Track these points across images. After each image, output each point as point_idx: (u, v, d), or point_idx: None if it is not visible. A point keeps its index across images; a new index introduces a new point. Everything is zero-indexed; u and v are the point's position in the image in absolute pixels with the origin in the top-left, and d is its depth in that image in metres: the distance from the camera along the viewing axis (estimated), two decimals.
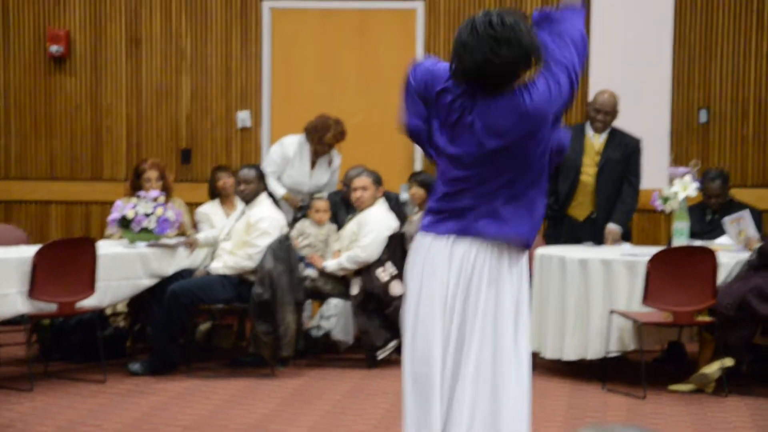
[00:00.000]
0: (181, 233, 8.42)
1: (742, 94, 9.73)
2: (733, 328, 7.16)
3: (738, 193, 8.82)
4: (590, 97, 8.71)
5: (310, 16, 10.10)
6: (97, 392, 7.15)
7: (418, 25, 9.99)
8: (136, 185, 8.54)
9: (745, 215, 7.64)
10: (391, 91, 10.00)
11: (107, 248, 7.87)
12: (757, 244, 7.37)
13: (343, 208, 8.72)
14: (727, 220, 7.73)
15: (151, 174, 8.51)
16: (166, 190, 8.44)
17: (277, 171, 8.91)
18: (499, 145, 3.96)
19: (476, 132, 3.99)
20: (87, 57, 10.23)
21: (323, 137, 8.83)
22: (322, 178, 9.02)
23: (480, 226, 4.03)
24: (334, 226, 8.52)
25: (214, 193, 8.83)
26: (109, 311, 8.28)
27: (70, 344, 8.06)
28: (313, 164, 9.00)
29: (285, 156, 8.92)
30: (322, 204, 8.52)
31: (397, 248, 8.11)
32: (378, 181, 8.32)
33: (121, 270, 7.72)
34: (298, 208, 8.80)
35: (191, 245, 8.10)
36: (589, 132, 8.35)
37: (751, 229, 7.57)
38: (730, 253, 7.52)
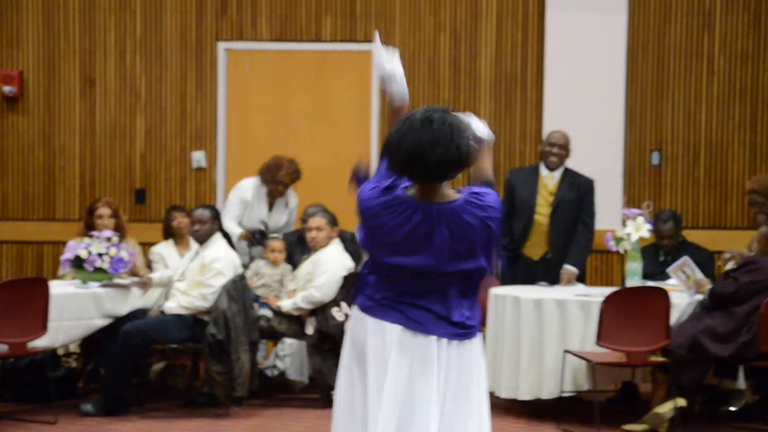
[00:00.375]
0: (134, 274, 8.37)
1: (693, 137, 9.86)
2: (686, 369, 7.20)
3: (690, 235, 8.91)
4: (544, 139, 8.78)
5: (266, 57, 10.12)
6: None
7: (373, 67, 10.03)
8: (89, 223, 8.50)
9: (687, 260, 7.69)
10: (346, 132, 10.05)
11: (60, 288, 7.81)
12: (708, 286, 7.43)
13: (298, 247, 8.71)
14: (671, 270, 7.76)
15: (104, 211, 8.47)
16: (120, 229, 8.40)
17: (238, 216, 8.88)
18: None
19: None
20: (40, 97, 10.18)
21: (276, 176, 8.83)
22: (280, 219, 9.01)
23: None
24: (289, 266, 8.51)
25: (169, 233, 8.79)
26: (61, 351, 8.20)
27: (21, 385, 7.96)
28: (271, 206, 8.99)
29: (243, 200, 8.91)
30: (277, 244, 8.51)
31: (352, 288, 8.10)
32: (333, 221, 8.32)
33: (74, 310, 7.66)
34: (253, 235, 8.73)
35: (145, 285, 8.05)
36: (543, 172, 8.41)
37: (697, 273, 7.62)
38: (683, 293, 7.58)
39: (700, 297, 7.48)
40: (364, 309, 4.03)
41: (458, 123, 3.93)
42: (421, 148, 3.84)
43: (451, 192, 3.98)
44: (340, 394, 4.11)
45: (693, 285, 7.61)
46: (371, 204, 3.96)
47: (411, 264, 3.94)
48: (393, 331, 3.96)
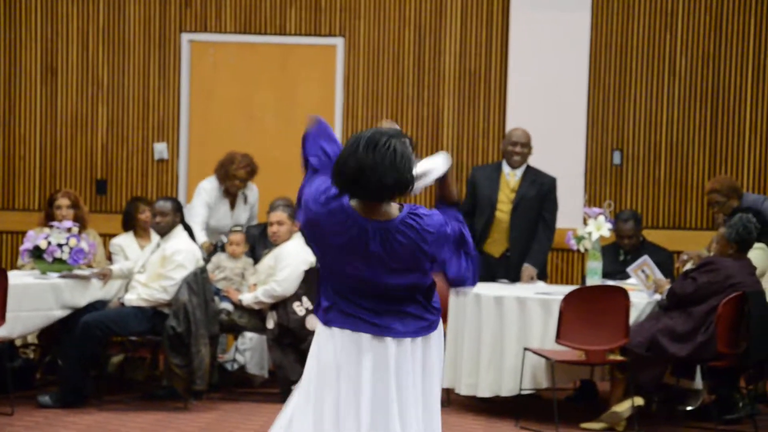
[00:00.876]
0: (88, 265, 8.29)
1: (654, 137, 9.92)
2: (644, 368, 7.26)
3: (650, 235, 8.97)
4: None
5: (230, 49, 10.09)
6: (5, 425, 7.01)
7: (338, 60, 10.03)
8: (49, 214, 8.44)
9: (647, 260, 7.74)
10: None
11: (18, 278, 7.75)
12: (667, 286, 7.48)
13: (261, 241, 8.69)
14: (631, 270, 7.81)
15: (63, 202, 8.42)
16: (80, 220, 8.35)
17: (204, 219, 8.84)
18: None
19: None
20: (1, 85, 10.09)
21: (229, 171, 8.81)
22: (242, 216, 9.00)
23: None
24: (250, 260, 8.49)
25: (129, 225, 8.72)
26: (18, 342, 8.14)
27: None
28: (233, 204, 8.97)
29: (207, 202, 8.89)
30: (236, 237, 8.49)
31: (313, 283, 8.10)
32: (295, 215, 8.30)
33: (33, 301, 7.61)
34: (215, 247, 8.71)
35: (104, 277, 8.00)
36: (506, 169, 8.44)
37: (657, 273, 7.67)
38: (642, 293, 7.64)
39: (659, 297, 7.53)
40: (327, 322, 4.10)
41: (403, 150, 4.00)
42: (362, 171, 3.92)
43: (394, 209, 4.06)
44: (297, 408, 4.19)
45: (652, 284, 7.67)
46: (316, 209, 4.03)
47: (351, 272, 4.03)
48: (356, 338, 4.06)
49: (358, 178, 3.93)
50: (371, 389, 4.03)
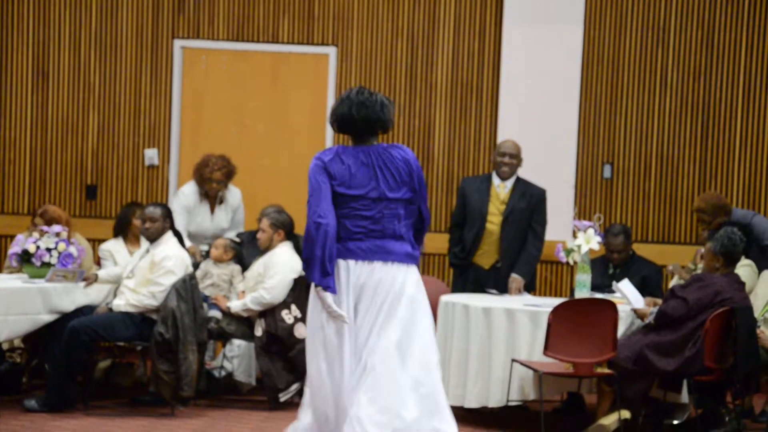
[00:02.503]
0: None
1: (645, 151, 9.95)
2: (631, 381, 7.26)
3: (639, 249, 8.99)
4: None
5: (222, 56, 10.10)
6: None
7: (330, 69, 10.04)
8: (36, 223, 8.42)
9: (623, 288, 7.69)
10: (300, 134, 10.04)
11: (6, 282, 7.73)
12: (649, 310, 7.45)
13: (251, 249, 8.68)
14: (617, 290, 7.79)
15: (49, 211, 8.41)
16: (70, 224, 8.35)
17: (184, 224, 8.83)
18: None
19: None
20: None
21: (204, 174, 8.82)
22: (223, 219, 8.99)
23: None
24: (237, 267, 8.48)
25: (123, 229, 8.69)
26: (5, 346, 8.12)
27: None
28: (213, 208, 8.96)
29: (186, 206, 8.88)
30: (220, 241, 8.49)
31: (302, 291, 8.09)
32: (278, 224, 8.25)
33: (20, 305, 7.58)
34: (206, 254, 8.70)
35: (88, 281, 7.96)
36: (496, 181, 8.45)
37: (634, 300, 7.62)
38: (630, 307, 7.64)
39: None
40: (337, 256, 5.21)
41: (383, 99, 5.32)
42: (355, 107, 5.27)
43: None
44: (312, 339, 5.28)
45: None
46: (328, 156, 5.28)
47: (360, 193, 5.23)
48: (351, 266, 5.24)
49: (351, 114, 5.26)
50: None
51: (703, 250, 8.18)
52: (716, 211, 8.34)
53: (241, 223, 9.13)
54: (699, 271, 8.03)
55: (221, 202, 9.00)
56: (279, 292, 8.00)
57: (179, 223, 8.70)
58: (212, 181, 8.83)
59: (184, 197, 8.90)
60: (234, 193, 9.06)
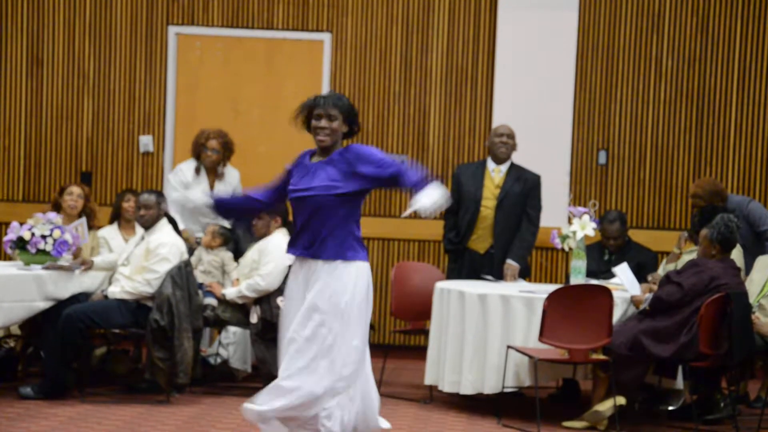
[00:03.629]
0: (75, 256, 8.25)
1: (640, 138, 9.95)
2: (626, 368, 7.26)
3: (634, 235, 8.99)
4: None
5: (217, 43, 10.08)
6: None
7: (324, 56, 10.03)
8: (58, 203, 8.42)
9: (621, 274, 7.70)
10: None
11: (1, 269, 7.72)
12: (644, 297, 7.46)
13: (246, 236, 8.67)
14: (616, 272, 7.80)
15: (74, 189, 8.41)
16: (87, 212, 8.35)
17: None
18: None
19: None
20: None
21: (202, 144, 8.79)
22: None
23: None
24: (229, 254, 8.47)
25: (117, 216, 8.69)
26: (0, 333, 8.11)
27: None
28: (212, 185, 8.93)
29: (183, 182, 8.86)
30: (209, 227, 8.47)
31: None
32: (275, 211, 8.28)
33: (15, 292, 7.57)
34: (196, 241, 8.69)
35: (84, 264, 7.96)
36: (490, 165, 8.44)
37: (630, 285, 7.63)
38: (626, 293, 7.65)
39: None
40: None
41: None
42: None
43: None
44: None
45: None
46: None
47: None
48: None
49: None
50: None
51: (686, 234, 8.20)
52: (712, 196, 8.35)
53: None
54: (683, 255, 8.06)
55: (221, 177, 8.95)
56: (274, 279, 7.99)
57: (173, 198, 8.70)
58: (207, 149, 8.78)
59: (181, 173, 8.88)
60: (232, 173, 9.03)
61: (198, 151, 8.83)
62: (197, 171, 8.85)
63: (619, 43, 9.93)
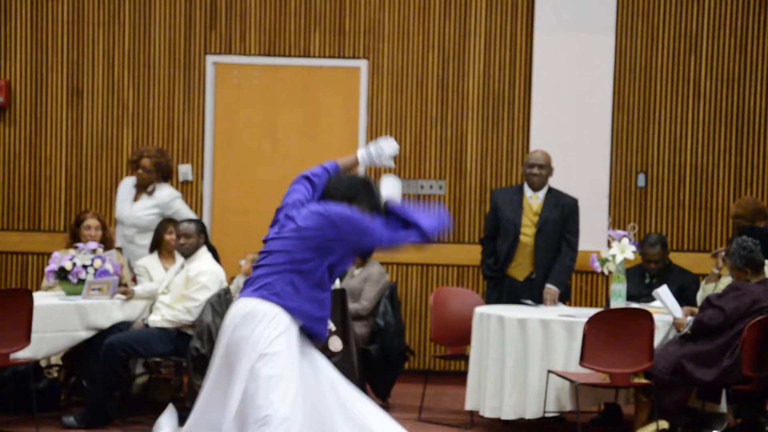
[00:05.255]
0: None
1: (679, 160, 9.90)
2: (669, 392, 7.22)
3: (675, 258, 8.93)
4: None
5: (254, 71, 10.13)
6: None
7: (361, 82, 10.06)
8: (75, 234, 8.46)
9: (662, 296, 7.64)
10: (333, 147, 10.05)
11: (43, 299, 7.78)
12: (685, 321, 7.40)
13: None
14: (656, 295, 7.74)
15: (92, 222, 8.44)
16: (106, 242, 8.38)
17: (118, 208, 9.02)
18: None
19: None
20: (27, 107, 10.17)
21: (135, 161, 8.85)
22: (139, 211, 8.86)
23: None
24: None
25: (156, 245, 8.72)
26: (43, 363, 8.16)
27: (3, 396, 7.93)
28: (137, 197, 8.93)
29: (119, 194, 9.05)
30: (249, 255, 8.46)
31: (337, 304, 8.09)
32: None
33: (57, 322, 7.63)
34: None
35: (126, 294, 8.00)
36: (528, 192, 8.42)
37: (673, 309, 7.57)
38: (667, 316, 7.60)
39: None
40: None
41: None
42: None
43: None
44: None
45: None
46: None
47: None
48: None
49: None
50: None
51: (724, 253, 8.14)
52: (755, 215, 8.29)
53: (179, 215, 8.83)
54: (723, 275, 8.00)
55: (150, 193, 8.88)
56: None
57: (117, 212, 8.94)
58: (139, 167, 8.81)
59: (120, 186, 9.07)
60: (164, 191, 8.90)
61: (131, 168, 8.89)
62: (138, 187, 8.93)
63: (657, 64, 9.90)
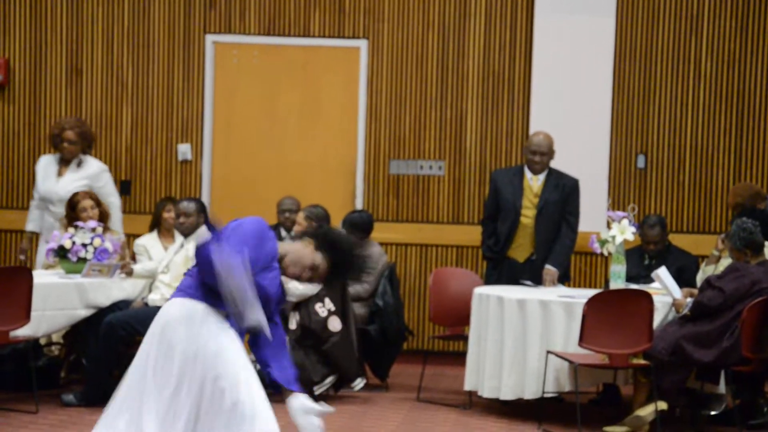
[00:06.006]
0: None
1: (679, 141, 9.89)
2: (667, 372, 7.23)
3: (674, 239, 8.94)
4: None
5: (254, 50, 10.11)
6: (29, 423, 7.05)
7: (361, 62, 10.04)
8: (71, 217, 8.43)
9: (662, 276, 7.62)
10: (332, 127, 10.05)
11: (43, 277, 7.78)
12: (685, 302, 7.41)
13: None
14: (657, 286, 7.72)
15: (86, 203, 8.41)
16: (103, 217, 8.37)
17: (38, 187, 8.83)
18: None
19: None
20: (26, 85, 10.16)
21: (58, 135, 8.66)
22: (68, 186, 8.67)
23: None
24: None
25: (157, 224, 8.71)
26: (43, 341, 8.17)
27: (3, 374, 7.95)
28: (62, 171, 8.78)
29: (38, 171, 8.84)
30: None
31: (336, 284, 8.10)
32: (313, 217, 8.29)
33: (57, 300, 7.64)
34: None
35: (124, 267, 7.98)
36: (528, 174, 8.41)
37: (672, 289, 7.57)
38: (666, 297, 7.61)
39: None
40: None
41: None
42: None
43: None
44: None
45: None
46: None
47: None
48: None
49: None
50: None
51: (724, 236, 8.14)
52: (753, 199, 8.29)
53: (108, 196, 8.73)
54: (722, 257, 8.01)
55: (78, 165, 8.73)
56: (309, 287, 8.00)
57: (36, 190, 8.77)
58: (64, 140, 8.64)
59: (38, 163, 8.89)
60: (92, 164, 8.80)
61: (55, 143, 8.74)
62: (62, 161, 8.74)
63: (657, 46, 9.88)
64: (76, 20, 10.09)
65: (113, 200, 8.80)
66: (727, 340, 7.13)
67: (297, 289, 7.78)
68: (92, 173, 8.75)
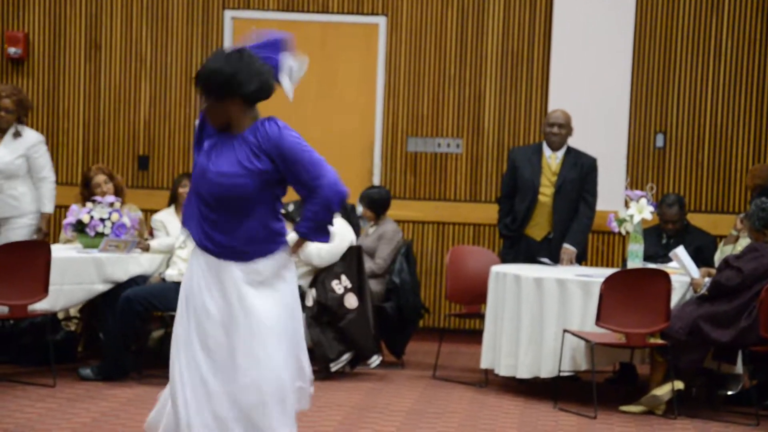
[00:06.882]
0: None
1: (698, 121, 9.85)
2: (685, 352, 7.22)
3: (693, 218, 8.91)
4: None
5: (272, 26, 10.08)
6: (47, 396, 7.08)
7: (380, 39, 10.02)
8: (86, 194, 8.44)
9: (680, 256, 7.59)
10: (350, 104, 10.04)
11: (61, 252, 7.81)
12: (703, 281, 7.38)
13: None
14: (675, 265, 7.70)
15: (99, 179, 8.43)
16: (118, 191, 8.38)
17: None
18: None
19: None
20: (45, 60, 10.17)
21: None
22: (5, 155, 8.41)
23: None
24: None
25: (174, 199, 8.73)
26: (61, 315, 8.21)
27: (21, 347, 7.98)
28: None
29: None
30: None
31: (353, 261, 8.11)
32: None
33: (75, 274, 7.67)
34: None
35: (143, 248, 8.02)
36: (546, 152, 8.39)
37: (690, 269, 7.54)
38: (684, 276, 7.59)
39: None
40: None
41: (252, 57, 4.65)
42: (204, 64, 4.65)
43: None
44: None
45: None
46: None
47: None
48: None
49: (200, 69, 4.72)
50: None
51: (743, 215, 8.12)
52: None
53: (42, 170, 8.51)
54: (741, 237, 7.98)
55: (15, 135, 8.43)
56: (329, 257, 7.99)
57: None
58: (0, 108, 8.36)
59: None
60: (30, 132, 8.54)
61: None
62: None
63: (678, 24, 9.82)
64: None
65: (47, 174, 8.52)
66: (744, 320, 7.11)
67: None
68: (31, 143, 8.46)
